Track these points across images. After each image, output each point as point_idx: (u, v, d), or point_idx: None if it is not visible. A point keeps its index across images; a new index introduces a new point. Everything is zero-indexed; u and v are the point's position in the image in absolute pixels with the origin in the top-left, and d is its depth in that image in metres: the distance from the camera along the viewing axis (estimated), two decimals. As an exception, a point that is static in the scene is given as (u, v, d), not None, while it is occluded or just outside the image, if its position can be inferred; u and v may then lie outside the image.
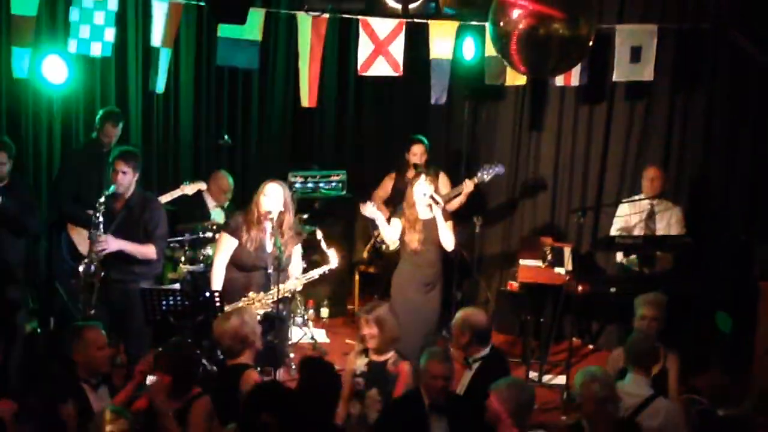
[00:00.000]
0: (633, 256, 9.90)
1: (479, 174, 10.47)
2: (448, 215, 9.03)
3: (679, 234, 9.80)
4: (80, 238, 9.66)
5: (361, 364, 7.51)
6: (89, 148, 10.05)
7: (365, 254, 11.08)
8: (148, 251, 8.49)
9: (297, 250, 8.56)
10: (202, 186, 10.43)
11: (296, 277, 8.41)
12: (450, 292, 9.83)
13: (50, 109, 10.51)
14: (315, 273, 8.51)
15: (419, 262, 8.96)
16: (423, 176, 8.91)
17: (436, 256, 9.00)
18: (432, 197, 8.80)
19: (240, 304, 8.09)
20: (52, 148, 10.60)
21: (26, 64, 9.32)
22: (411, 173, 10.70)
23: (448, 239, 8.92)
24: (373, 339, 7.46)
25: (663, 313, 7.89)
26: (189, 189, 10.30)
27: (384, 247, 10.35)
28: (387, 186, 11.04)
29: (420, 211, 8.93)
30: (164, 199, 9.99)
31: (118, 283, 8.30)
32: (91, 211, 8.80)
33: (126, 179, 8.33)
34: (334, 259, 8.52)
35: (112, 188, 8.26)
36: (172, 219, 10.40)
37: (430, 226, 8.88)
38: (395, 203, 10.59)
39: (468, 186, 10.35)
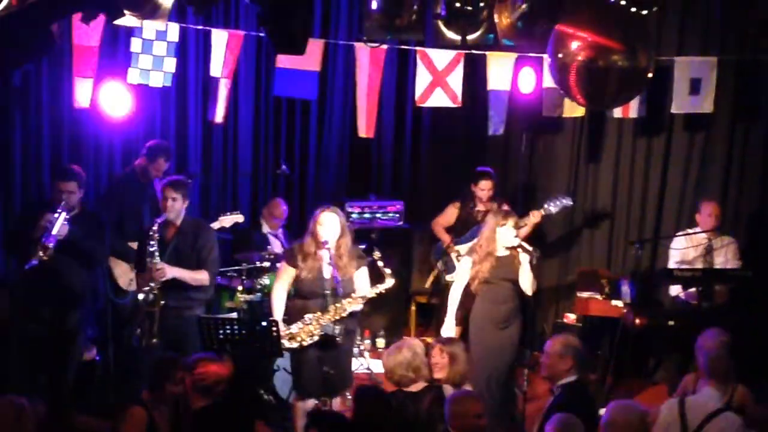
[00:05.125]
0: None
1: (546, 206, 10.44)
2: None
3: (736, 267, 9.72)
4: (120, 271, 9.74)
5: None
6: (132, 178, 10.11)
7: (428, 285, 11.02)
8: (201, 277, 8.58)
9: (362, 274, 8.47)
10: (239, 218, 10.43)
11: (353, 296, 8.39)
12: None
13: (111, 138, 10.60)
14: (372, 291, 8.50)
15: (492, 297, 8.88)
16: (511, 221, 8.80)
17: (510, 293, 8.89)
18: (522, 246, 8.77)
19: (299, 325, 8.15)
20: (112, 178, 10.67)
21: (88, 94, 9.43)
22: (480, 206, 10.71)
23: (529, 284, 8.87)
24: (441, 370, 7.51)
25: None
26: (227, 221, 10.33)
27: (447, 276, 10.39)
28: (450, 215, 11.01)
29: (498, 249, 8.88)
30: None
31: (173, 310, 8.37)
32: (133, 244, 8.97)
33: (176, 206, 8.44)
34: (389, 278, 8.50)
35: (164, 216, 8.37)
36: (229, 248, 10.47)
37: (506, 262, 8.83)
38: (457, 232, 10.63)
39: (535, 217, 10.32)
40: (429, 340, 9.30)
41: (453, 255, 10.59)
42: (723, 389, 7.06)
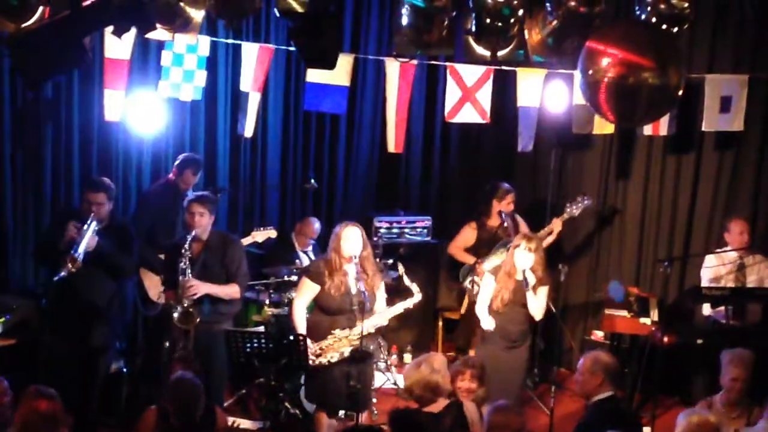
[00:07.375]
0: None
1: (568, 209, 10.42)
2: (546, 279, 8.86)
3: None
4: (151, 283, 9.75)
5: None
6: (166, 190, 10.16)
7: (463, 310, 10.91)
8: (234, 291, 8.58)
9: (380, 288, 8.52)
10: (272, 233, 10.48)
11: (380, 311, 8.37)
12: (533, 341, 9.74)
13: (140, 151, 10.65)
14: (399, 307, 8.47)
15: (505, 318, 8.81)
16: (524, 243, 8.69)
17: (522, 317, 8.85)
18: (524, 274, 8.66)
19: (327, 341, 8.15)
20: (141, 191, 10.71)
21: (118, 107, 9.46)
22: (494, 221, 10.68)
23: (536, 310, 8.78)
24: (470, 394, 7.46)
25: (748, 371, 7.78)
26: (260, 236, 10.36)
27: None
28: (469, 236, 10.88)
29: (518, 271, 8.75)
30: None
31: (203, 325, 8.34)
32: (162, 256, 8.99)
33: (203, 221, 8.42)
34: (417, 292, 8.46)
35: (193, 233, 8.37)
36: (258, 262, 10.49)
37: (521, 286, 8.74)
38: (476, 253, 10.56)
39: (557, 225, 10.30)
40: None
41: (479, 276, 10.41)
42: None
